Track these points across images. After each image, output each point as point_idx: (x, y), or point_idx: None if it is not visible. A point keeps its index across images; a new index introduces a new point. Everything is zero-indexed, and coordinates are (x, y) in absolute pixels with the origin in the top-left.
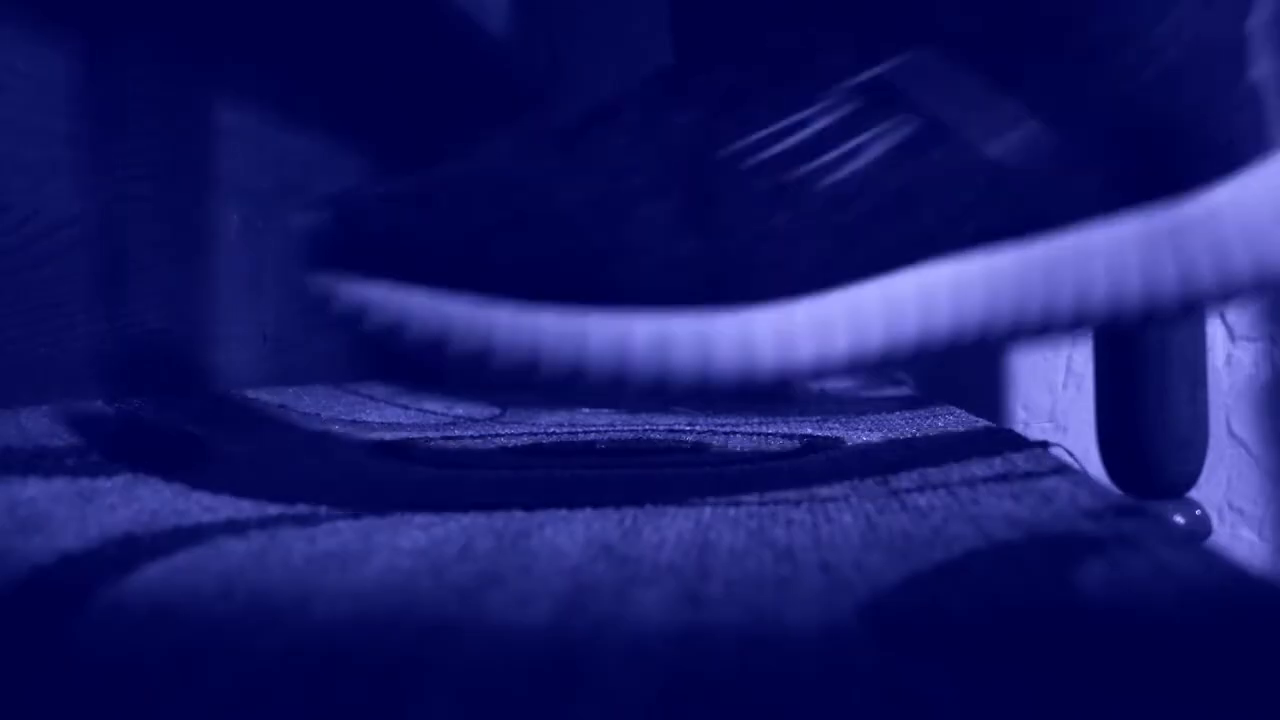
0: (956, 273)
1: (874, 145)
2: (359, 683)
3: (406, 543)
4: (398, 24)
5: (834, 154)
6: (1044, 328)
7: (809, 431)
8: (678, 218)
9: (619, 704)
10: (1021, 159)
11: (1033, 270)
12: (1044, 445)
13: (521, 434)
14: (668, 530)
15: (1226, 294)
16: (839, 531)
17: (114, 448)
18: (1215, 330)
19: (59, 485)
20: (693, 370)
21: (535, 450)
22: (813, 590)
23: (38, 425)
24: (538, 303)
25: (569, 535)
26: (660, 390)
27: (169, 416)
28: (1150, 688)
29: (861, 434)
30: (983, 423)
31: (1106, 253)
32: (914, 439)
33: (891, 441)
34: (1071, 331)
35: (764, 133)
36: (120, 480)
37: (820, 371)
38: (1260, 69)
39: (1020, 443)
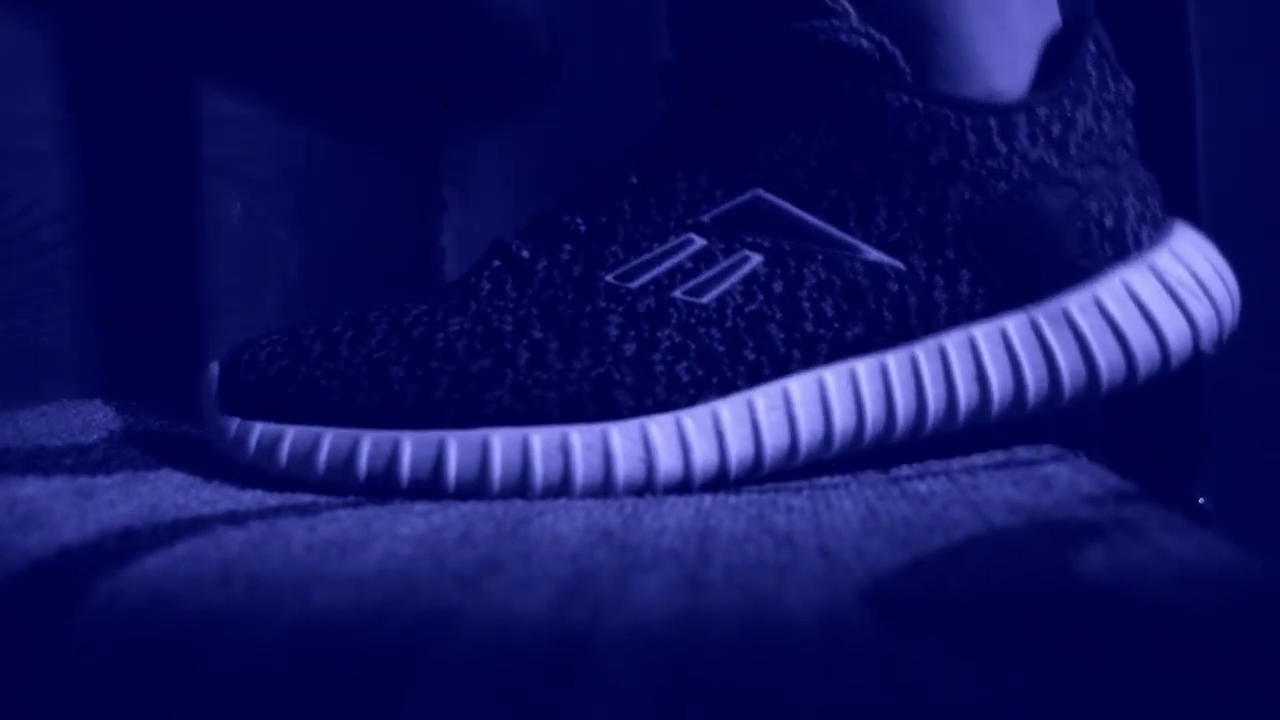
0: (823, 379)
1: (729, 275)
2: (359, 669)
3: (406, 529)
4: (399, 10)
5: (694, 281)
6: (916, 425)
7: None
8: (562, 341)
9: (620, 689)
10: (871, 280)
11: (896, 372)
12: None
13: None
14: (668, 516)
15: (1090, 388)
16: (839, 517)
17: (113, 445)
18: None
19: (58, 483)
20: (595, 474)
21: None
22: (813, 575)
23: (35, 425)
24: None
25: (569, 521)
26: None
27: (169, 411)
28: (1150, 672)
29: None
30: None
31: (965, 351)
32: None
33: None
34: (948, 426)
35: (634, 261)
36: (119, 477)
37: (692, 478)
38: (1091, 199)
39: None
